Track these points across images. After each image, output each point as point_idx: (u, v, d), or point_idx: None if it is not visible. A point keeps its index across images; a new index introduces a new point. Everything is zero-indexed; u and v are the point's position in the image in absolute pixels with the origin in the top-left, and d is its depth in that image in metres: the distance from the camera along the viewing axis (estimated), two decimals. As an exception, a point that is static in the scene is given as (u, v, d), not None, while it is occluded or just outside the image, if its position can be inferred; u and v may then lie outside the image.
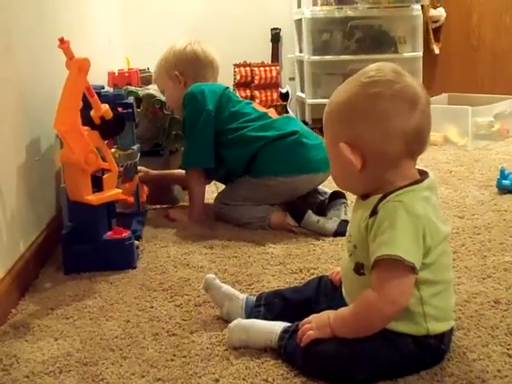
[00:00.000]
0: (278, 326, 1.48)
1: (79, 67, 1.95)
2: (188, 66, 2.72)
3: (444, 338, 1.41)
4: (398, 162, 1.37)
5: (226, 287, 1.69)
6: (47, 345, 1.58)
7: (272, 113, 2.68)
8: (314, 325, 1.40)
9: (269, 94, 4.73)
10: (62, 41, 1.95)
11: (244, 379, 1.38)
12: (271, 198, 2.50)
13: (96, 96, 2.04)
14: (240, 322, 1.54)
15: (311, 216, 2.37)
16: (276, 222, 2.43)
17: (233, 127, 2.55)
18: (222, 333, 1.59)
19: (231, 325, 1.53)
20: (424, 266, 1.34)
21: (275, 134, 2.50)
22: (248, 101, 2.76)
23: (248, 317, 1.60)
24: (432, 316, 1.37)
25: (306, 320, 1.43)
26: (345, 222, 2.33)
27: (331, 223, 2.36)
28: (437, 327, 1.39)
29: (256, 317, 1.58)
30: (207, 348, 1.51)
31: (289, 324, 1.48)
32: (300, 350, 1.39)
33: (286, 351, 1.43)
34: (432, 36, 5.06)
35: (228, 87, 2.72)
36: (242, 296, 1.66)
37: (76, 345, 1.57)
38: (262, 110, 2.70)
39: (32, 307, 1.82)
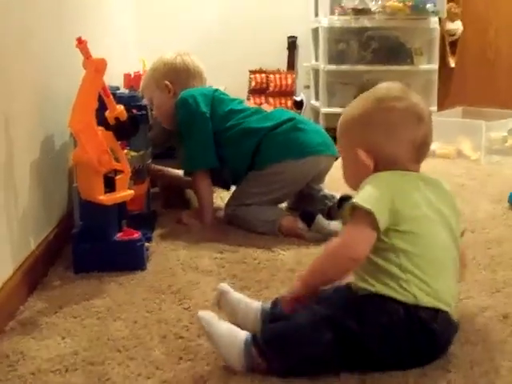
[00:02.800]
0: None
1: (96, 67, 1.96)
2: (178, 76, 2.73)
3: (438, 318, 1.42)
4: (405, 165, 1.56)
5: (239, 295, 1.67)
6: (54, 343, 1.58)
7: (266, 107, 2.74)
8: (288, 293, 1.52)
9: (283, 101, 4.73)
10: (79, 40, 1.96)
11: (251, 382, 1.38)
12: (280, 187, 2.52)
13: (111, 97, 2.05)
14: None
15: (322, 220, 2.37)
16: (287, 226, 2.42)
17: (230, 125, 2.58)
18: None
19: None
20: (398, 233, 1.45)
21: (273, 123, 2.54)
22: (240, 99, 2.78)
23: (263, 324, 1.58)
24: (416, 285, 1.42)
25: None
26: None
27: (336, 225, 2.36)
28: (426, 299, 1.42)
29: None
30: (213, 352, 1.51)
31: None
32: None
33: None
34: (448, 49, 5.05)
35: (218, 89, 2.74)
36: (257, 304, 1.63)
37: (83, 344, 1.57)
38: (255, 106, 2.76)
39: (40, 305, 1.83)
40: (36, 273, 1.97)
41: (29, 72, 2.06)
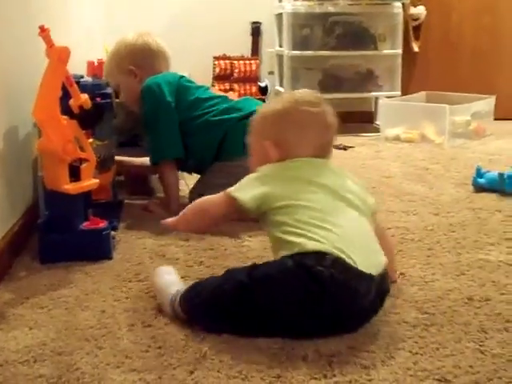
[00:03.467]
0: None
1: (59, 56, 1.95)
2: (142, 59, 2.69)
3: (325, 261, 1.47)
4: None
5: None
6: (21, 334, 1.57)
7: (231, 96, 2.71)
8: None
9: (248, 87, 4.72)
10: (42, 29, 1.94)
11: (219, 371, 1.38)
12: None
13: (75, 85, 2.03)
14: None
15: None
16: None
17: (196, 114, 2.56)
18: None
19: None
20: (275, 210, 1.61)
21: (241, 114, 2.51)
22: (205, 86, 2.75)
23: None
24: (300, 234, 1.53)
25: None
26: None
27: None
28: (310, 245, 1.50)
29: None
30: (182, 340, 1.51)
31: None
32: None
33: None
34: (412, 34, 5.08)
35: (184, 76, 2.70)
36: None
37: (51, 334, 1.56)
38: (221, 94, 2.72)
39: (6, 296, 1.81)
40: (1, 264, 1.95)
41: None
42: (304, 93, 1.86)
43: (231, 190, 1.66)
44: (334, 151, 3.74)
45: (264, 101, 4.64)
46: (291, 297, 1.47)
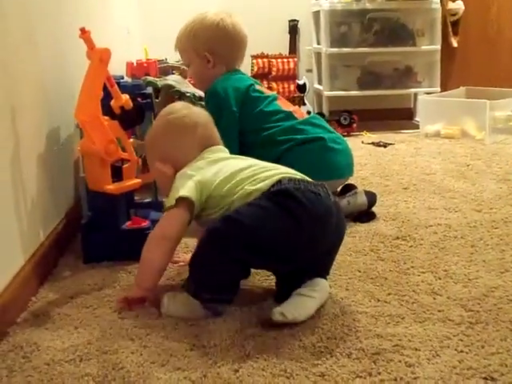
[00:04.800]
0: None
1: (100, 57, 1.95)
2: (219, 46, 2.58)
3: (283, 182, 1.70)
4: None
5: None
6: (67, 333, 1.59)
7: (297, 112, 2.60)
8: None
9: (286, 85, 4.72)
10: (83, 31, 1.95)
11: (263, 369, 1.39)
12: None
13: (116, 86, 2.04)
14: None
15: (340, 202, 2.37)
16: None
17: (257, 128, 2.49)
18: (240, 323, 1.60)
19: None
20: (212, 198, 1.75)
21: (302, 137, 2.44)
22: (274, 95, 2.63)
23: None
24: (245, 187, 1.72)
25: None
26: (369, 192, 2.48)
27: (359, 197, 2.42)
28: (262, 185, 1.70)
29: None
30: (226, 339, 1.52)
31: None
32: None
33: None
34: (450, 29, 5.03)
35: (253, 83, 2.60)
36: None
37: (96, 333, 1.58)
38: (288, 108, 2.59)
39: (52, 296, 1.84)
40: (46, 264, 1.98)
41: (33, 65, 2.06)
42: (170, 106, 2.01)
43: (172, 199, 1.73)
44: (375, 148, 3.76)
45: (302, 98, 4.66)
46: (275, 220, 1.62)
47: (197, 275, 1.68)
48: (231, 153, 2.41)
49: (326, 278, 1.73)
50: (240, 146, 2.48)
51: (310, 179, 1.76)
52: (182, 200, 1.70)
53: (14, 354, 1.49)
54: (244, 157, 1.93)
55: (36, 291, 1.86)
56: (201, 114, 1.95)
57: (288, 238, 1.63)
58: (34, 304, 1.78)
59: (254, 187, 1.70)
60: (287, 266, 1.70)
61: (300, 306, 1.60)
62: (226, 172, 1.77)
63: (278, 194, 1.66)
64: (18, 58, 1.91)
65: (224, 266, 1.62)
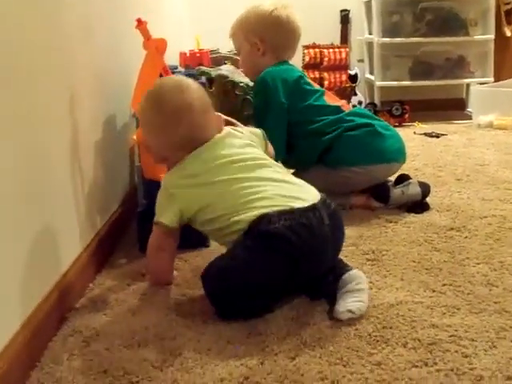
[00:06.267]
0: None
1: (156, 47, 1.98)
2: (270, 35, 2.57)
3: (268, 219, 1.60)
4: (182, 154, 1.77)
5: None
6: (125, 319, 1.62)
7: (345, 106, 2.60)
8: None
9: (338, 75, 4.70)
10: (139, 22, 1.98)
11: (320, 357, 1.39)
12: (346, 189, 2.45)
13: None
14: None
15: (394, 192, 2.39)
16: (359, 205, 2.44)
17: (306, 120, 2.48)
18: (296, 311, 1.61)
19: None
20: (199, 213, 1.73)
21: (350, 124, 2.44)
22: (321, 90, 2.61)
23: None
24: (234, 215, 1.66)
25: None
26: (423, 183, 2.46)
27: (413, 188, 2.40)
28: (246, 217, 1.62)
29: None
30: (282, 327, 1.53)
31: None
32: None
33: None
34: (504, 18, 4.96)
35: (302, 75, 2.59)
36: None
37: (153, 320, 1.60)
38: (335, 102, 2.59)
39: (109, 282, 1.87)
40: (103, 251, 2.01)
41: (90, 53, 2.08)
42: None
43: (156, 219, 1.77)
44: (427, 139, 3.73)
45: (354, 89, 4.64)
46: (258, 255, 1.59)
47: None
48: (278, 145, 2.39)
49: (349, 268, 1.71)
50: (288, 136, 2.49)
51: (299, 205, 1.64)
52: (163, 225, 1.76)
53: (73, 339, 1.52)
54: (240, 164, 1.76)
55: (93, 278, 1.89)
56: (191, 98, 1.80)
57: (284, 277, 1.61)
58: (92, 290, 1.81)
59: (237, 218, 1.65)
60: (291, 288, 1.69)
61: (357, 300, 1.58)
62: (212, 197, 1.71)
63: (267, 236, 1.60)
64: (77, 46, 1.94)
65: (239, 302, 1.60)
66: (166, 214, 1.74)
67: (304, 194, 1.71)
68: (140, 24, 1.99)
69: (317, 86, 2.62)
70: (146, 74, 1.99)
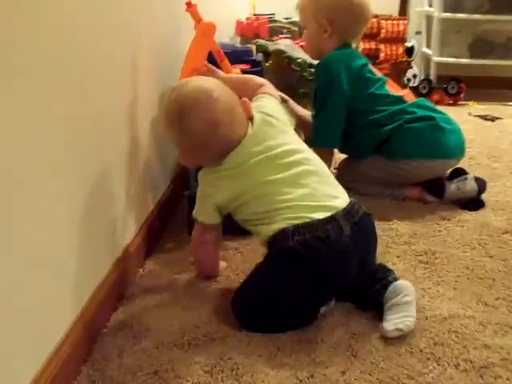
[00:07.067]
0: None
1: (203, 31, 1.99)
2: (340, 18, 2.48)
3: (285, 234, 1.55)
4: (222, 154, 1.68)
5: None
6: (175, 315, 1.61)
7: (408, 95, 2.54)
8: None
9: (394, 48, 4.59)
10: (189, 4, 1.99)
11: (370, 374, 1.38)
12: (401, 181, 2.43)
13: (226, 60, 2.07)
14: None
15: (449, 187, 2.36)
16: (413, 197, 2.41)
17: (367, 109, 2.43)
18: (346, 318, 1.60)
19: None
20: (239, 207, 1.68)
21: (411, 116, 2.39)
22: (383, 78, 2.54)
23: None
24: (265, 223, 1.62)
25: None
26: (479, 178, 2.41)
27: (469, 183, 2.37)
28: (269, 229, 1.59)
29: None
30: (333, 335, 1.52)
31: None
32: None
33: None
34: None
35: (366, 63, 2.53)
36: None
37: (203, 317, 1.59)
38: (397, 92, 2.53)
39: (158, 269, 1.87)
40: (154, 234, 2.01)
41: (149, 28, 2.07)
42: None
43: (195, 215, 1.76)
44: (482, 122, 3.63)
45: (410, 63, 4.55)
46: (288, 282, 1.55)
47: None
48: (334, 133, 2.43)
49: (394, 276, 1.68)
50: (346, 123, 2.45)
51: (321, 216, 1.57)
52: (205, 223, 1.75)
53: (123, 333, 1.53)
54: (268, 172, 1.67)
55: (143, 263, 1.89)
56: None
57: (309, 292, 1.56)
58: (142, 278, 1.82)
59: (261, 228, 1.64)
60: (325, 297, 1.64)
61: (405, 315, 1.54)
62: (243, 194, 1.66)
63: (282, 254, 1.57)
64: (138, 20, 1.92)
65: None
66: (205, 212, 1.74)
67: (325, 199, 1.63)
68: (189, 7, 1.99)
69: (379, 75, 2.55)
70: (191, 56, 2.01)
